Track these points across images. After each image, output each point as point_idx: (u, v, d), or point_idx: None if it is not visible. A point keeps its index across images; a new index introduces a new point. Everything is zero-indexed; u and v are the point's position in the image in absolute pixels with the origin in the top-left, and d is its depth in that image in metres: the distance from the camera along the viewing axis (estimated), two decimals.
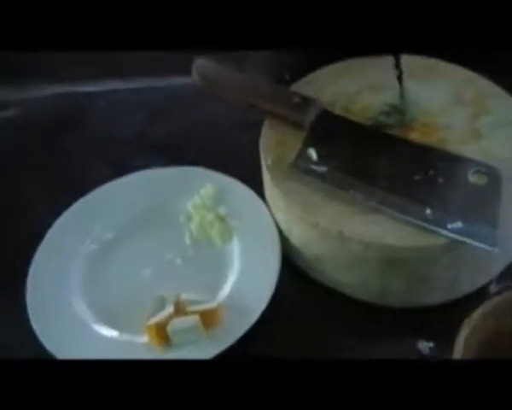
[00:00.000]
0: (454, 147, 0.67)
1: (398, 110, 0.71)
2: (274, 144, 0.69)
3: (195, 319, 0.61)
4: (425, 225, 0.60)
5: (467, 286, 0.63)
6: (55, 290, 0.65)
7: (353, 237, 0.60)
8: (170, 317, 0.62)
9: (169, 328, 0.61)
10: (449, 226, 0.59)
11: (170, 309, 0.62)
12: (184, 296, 0.63)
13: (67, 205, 0.72)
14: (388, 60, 0.76)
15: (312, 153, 0.66)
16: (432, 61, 0.76)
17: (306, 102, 0.70)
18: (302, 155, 0.66)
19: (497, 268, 0.65)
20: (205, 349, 0.60)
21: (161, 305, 0.63)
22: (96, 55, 0.83)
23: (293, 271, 0.67)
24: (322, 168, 0.65)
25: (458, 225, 0.59)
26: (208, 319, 0.62)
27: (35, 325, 0.62)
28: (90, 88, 0.88)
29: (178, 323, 0.61)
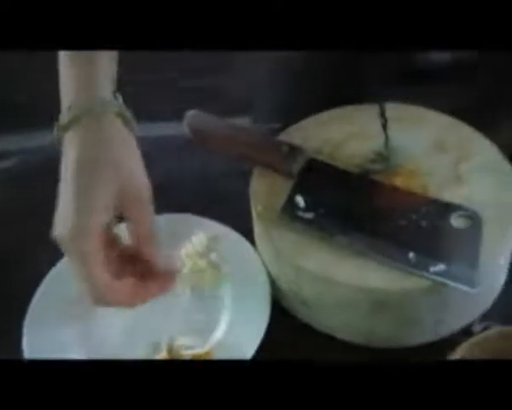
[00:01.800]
0: (437, 192, 0.69)
1: (383, 157, 0.74)
2: (263, 192, 0.71)
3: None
4: (408, 268, 0.62)
5: (451, 326, 0.66)
6: (51, 339, 0.67)
7: (340, 280, 0.62)
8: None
9: None
10: (431, 269, 0.62)
11: (163, 354, 0.64)
12: (177, 341, 0.65)
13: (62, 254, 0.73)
14: (373, 108, 0.79)
15: (300, 200, 0.68)
16: (415, 109, 0.79)
17: (294, 150, 0.73)
18: (290, 202, 0.69)
19: (479, 308, 0.67)
20: None
21: (155, 350, 0.65)
22: None
23: (283, 314, 0.69)
24: (310, 215, 0.67)
25: (440, 267, 0.62)
26: None
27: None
28: None
29: None
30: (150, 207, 0.62)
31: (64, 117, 0.61)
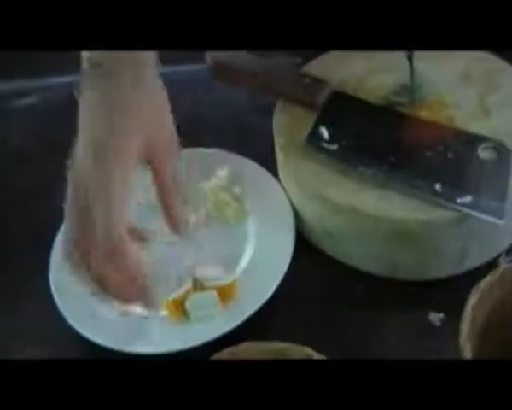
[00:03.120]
0: (463, 124, 0.68)
1: (409, 89, 0.72)
2: (286, 125, 0.70)
3: (213, 294, 0.63)
4: (434, 199, 0.61)
5: (476, 259, 0.65)
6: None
7: (364, 211, 0.62)
8: (188, 292, 0.64)
9: (187, 303, 0.63)
10: (458, 200, 0.61)
11: (188, 285, 0.64)
12: (202, 272, 0.65)
13: None
14: None
15: (324, 132, 0.68)
16: None
17: (317, 83, 0.72)
18: (314, 134, 0.68)
19: (506, 241, 0.66)
20: (220, 324, 0.62)
21: (180, 281, 0.65)
22: None
23: (307, 246, 0.69)
24: (333, 146, 0.67)
25: (467, 199, 0.61)
26: (225, 294, 0.64)
27: (58, 301, 0.65)
28: None
29: (196, 298, 0.63)
30: (175, 155, 0.61)
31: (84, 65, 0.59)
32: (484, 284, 0.53)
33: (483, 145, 0.65)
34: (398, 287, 0.65)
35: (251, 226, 0.70)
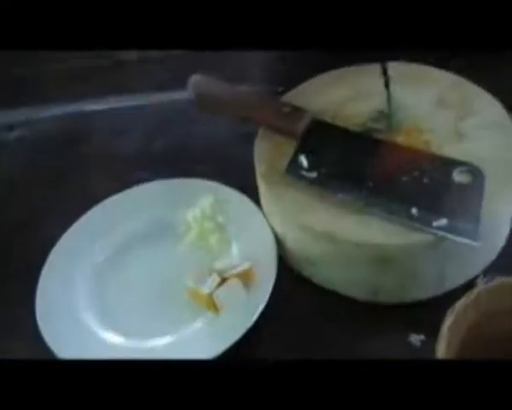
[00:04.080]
0: (439, 149, 0.70)
1: (386, 115, 0.74)
2: (267, 153, 0.72)
3: (237, 282, 0.66)
4: (411, 223, 0.63)
5: (455, 280, 0.66)
6: (63, 297, 0.69)
7: (344, 237, 0.63)
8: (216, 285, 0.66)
9: (215, 296, 0.66)
10: (434, 224, 0.62)
11: (216, 278, 0.66)
12: (217, 266, 0.68)
13: (74, 219, 0.75)
14: (375, 67, 0.79)
15: (303, 160, 0.69)
16: (418, 67, 0.79)
17: (297, 111, 0.73)
18: (294, 162, 0.70)
19: (483, 262, 0.68)
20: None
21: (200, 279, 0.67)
22: (94, 73, 0.87)
23: (290, 272, 0.70)
24: (313, 174, 0.68)
25: (443, 222, 0.63)
26: (247, 278, 0.67)
27: (43, 330, 0.66)
28: (92, 107, 0.92)
29: (224, 289, 0.66)
30: None
31: None
32: (459, 305, 0.55)
33: (458, 169, 0.67)
34: (380, 310, 0.67)
35: (234, 255, 0.71)
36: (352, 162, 0.69)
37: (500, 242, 0.69)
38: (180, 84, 0.78)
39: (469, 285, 0.67)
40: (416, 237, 0.62)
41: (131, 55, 0.92)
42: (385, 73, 0.79)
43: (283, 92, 0.80)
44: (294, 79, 0.80)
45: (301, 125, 0.72)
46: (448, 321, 0.54)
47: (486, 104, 0.74)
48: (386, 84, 0.77)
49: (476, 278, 0.67)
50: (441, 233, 0.62)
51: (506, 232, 0.70)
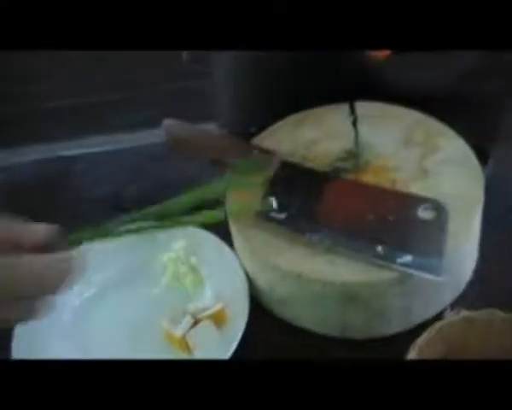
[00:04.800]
0: (405, 186, 0.72)
1: (353, 155, 0.76)
2: (238, 195, 0.74)
3: (210, 323, 0.68)
4: (376, 260, 0.65)
5: (422, 315, 0.68)
6: (39, 341, 0.70)
7: (311, 277, 0.65)
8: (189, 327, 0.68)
9: (189, 337, 0.67)
10: (399, 261, 0.64)
11: (189, 320, 0.68)
12: (191, 308, 0.70)
13: None
14: (343, 108, 0.81)
15: (273, 201, 0.71)
16: (384, 106, 0.81)
17: (266, 154, 0.75)
18: (264, 204, 0.71)
19: (449, 296, 0.70)
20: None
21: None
22: (72, 116, 0.89)
23: (262, 311, 0.71)
24: (282, 215, 0.70)
25: (407, 258, 0.64)
26: (219, 319, 0.69)
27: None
28: (69, 152, 0.94)
29: (197, 331, 0.68)
30: None
31: None
32: (420, 341, 0.57)
33: (422, 206, 0.69)
34: (349, 346, 0.68)
35: (208, 295, 0.72)
36: (319, 202, 0.71)
37: (466, 275, 0.71)
38: (154, 127, 0.80)
39: (437, 318, 0.68)
40: (381, 275, 0.64)
41: (105, 96, 0.94)
42: (352, 112, 0.81)
43: (256, 133, 0.82)
44: (267, 118, 0.83)
45: (270, 168, 0.74)
46: (410, 356, 0.56)
47: (450, 141, 0.76)
48: (354, 124, 0.79)
49: (443, 311, 0.69)
50: (406, 270, 0.64)
51: (472, 266, 0.72)
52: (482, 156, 0.76)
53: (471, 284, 0.72)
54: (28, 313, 0.53)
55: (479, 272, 0.73)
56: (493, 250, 0.74)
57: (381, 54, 0.85)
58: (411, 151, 0.76)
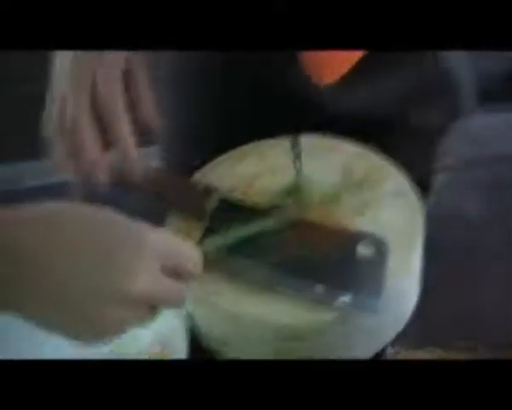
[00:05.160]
0: (346, 221, 0.71)
1: (295, 190, 0.76)
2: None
3: None
4: (316, 301, 0.64)
5: (363, 353, 0.68)
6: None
7: (251, 317, 0.64)
8: None
9: None
10: (339, 300, 0.64)
11: None
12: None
13: None
14: (285, 142, 0.81)
15: (211, 241, 0.70)
16: (325, 140, 0.81)
17: (206, 191, 0.74)
18: (203, 241, 0.70)
19: (390, 333, 0.69)
20: None
21: None
22: None
23: (202, 351, 0.70)
24: (221, 254, 0.69)
25: (347, 297, 0.64)
26: None
27: None
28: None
29: None
30: None
31: None
32: None
33: (362, 241, 0.68)
34: None
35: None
36: (259, 241, 0.70)
37: (407, 312, 0.71)
38: None
39: (379, 355, 0.68)
40: (321, 315, 0.64)
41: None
42: (294, 146, 0.80)
43: (199, 166, 0.81)
44: (209, 152, 0.82)
45: (210, 205, 0.73)
46: None
47: (390, 174, 0.76)
48: (296, 158, 0.79)
49: (385, 349, 0.69)
50: (345, 309, 0.64)
51: (413, 302, 0.71)
52: (422, 188, 0.76)
53: (412, 320, 0.71)
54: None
55: (420, 308, 0.72)
56: (435, 285, 0.74)
57: (325, 80, 0.85)
58: (352, 185, 0.75)
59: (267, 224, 0.72)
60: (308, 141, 0.81)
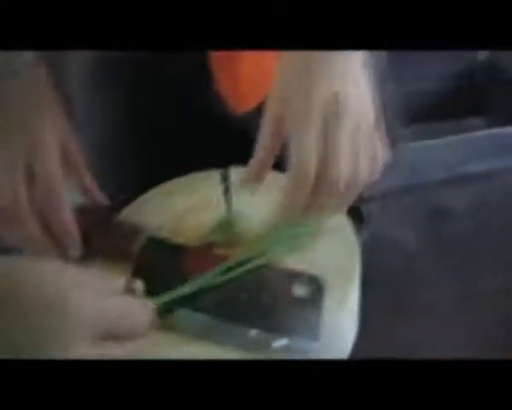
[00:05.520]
0: (280, 260, 0.68)
1: (226, 226, 0.73)
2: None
3: None
4: (250, 346, 0.61)
5: None
6: None
7: None
8: None
9: None
10: (273, 345, 0.61)
11: None
12: None
13: None
14: (215, 174, 0.78)
15: (139, 283, 0.66)
16: None
17: (133, 230, 0.71)
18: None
19: None
20: None
21: None
22: None
23: None
24: (149, 297, 0.65)
25: (282, 341, 0.61)
26: None
27: None
28: None
29: None
30: None
31: None
32: None
33: (297, 281, 0.66)
34: None
35: None
36: (189, 283, 0.66)
37: (345, 350, 0.68)
38: None
39: None
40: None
41: None
42: (224, 179, 0.77)
43: (126, 201, 0.77)
44: (136, 187, 0.78)
45: (136, 245, 0.69)
46: None
47: None
48: (226, 192, 0.76)
49: None
50: (282, 352, 0.61)
51: (351, 339, 0.69)
52: (358, 217, 0.74)
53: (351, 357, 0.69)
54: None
55: (358, 344, 0.70)
56: (373, 320, 0.72)
57: (240, 108, 0.83)
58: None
59: (197, 265, 0.68)
60: (239, 173, 0.78)
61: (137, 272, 0.67)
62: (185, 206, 0.75)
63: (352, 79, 0.63)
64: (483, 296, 0.79)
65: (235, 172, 0.78)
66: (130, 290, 0.60)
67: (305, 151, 0.61)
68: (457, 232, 0.87)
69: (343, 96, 0.61)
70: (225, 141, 0.84)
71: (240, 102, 0.83)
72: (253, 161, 0.66)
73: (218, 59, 0.80)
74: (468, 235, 0.86)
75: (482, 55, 2.66)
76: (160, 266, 0.68)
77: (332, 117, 0.61)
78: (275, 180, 0.76)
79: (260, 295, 0.65)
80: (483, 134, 1.09)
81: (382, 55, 0.73)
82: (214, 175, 0.78)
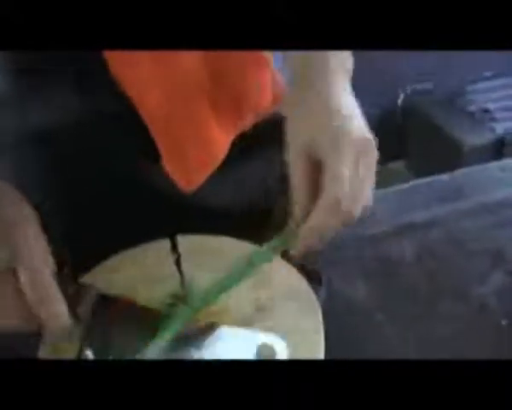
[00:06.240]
0: (240, 325, 0.66)
1: (181, 298, 0.70)
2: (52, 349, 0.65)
3: None
4: None
5: None
6: None
7: None
8: None
9: None
10: None
11: None
12: None
13: None
14: (165, 244, 0.75)
15: (89, 353, 0.62)
16: (208, 238, 0.76)
17: (80, 290, 0.66)
18: (81, 355, 0.63)
19: None
20: None
21: None
22: None
23: None
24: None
25: None
26: None
27: None
28: None
29: None
30: None
31: None
32: None
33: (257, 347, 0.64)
34: None
35: None
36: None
37: None
38: None
39: None
40: None
41: None
42: (174, 248, 0.75)
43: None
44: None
45: (88, 303, 0.66)
46: None
47: (283, 272, 0.72)
48: (177, 263, 0.73)
49: None
50: None
51: None
52: (315, 277, 0.73)
53: None
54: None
55: None
56: None
57: (188, 187, 0.81)
58: (243, 286, 0.70)
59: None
60: (189, 241, 0.75)
61: (86, 342, 0.64)
62: (135, 279, 0.71)
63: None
64: (438, 344, 0.79)
65: (184, 241, 0.75)
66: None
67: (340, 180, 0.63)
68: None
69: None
70: (172, 209, 0.81)
71: (187, 182, 0.81)
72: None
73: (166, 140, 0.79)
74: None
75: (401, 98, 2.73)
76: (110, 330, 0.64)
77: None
78: (223, 245, 0.74)
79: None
80: (419, 183, 1.10)
81: None
82: (163, 244, 0.75)
